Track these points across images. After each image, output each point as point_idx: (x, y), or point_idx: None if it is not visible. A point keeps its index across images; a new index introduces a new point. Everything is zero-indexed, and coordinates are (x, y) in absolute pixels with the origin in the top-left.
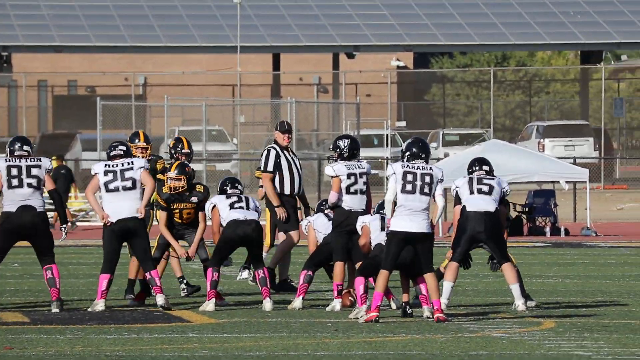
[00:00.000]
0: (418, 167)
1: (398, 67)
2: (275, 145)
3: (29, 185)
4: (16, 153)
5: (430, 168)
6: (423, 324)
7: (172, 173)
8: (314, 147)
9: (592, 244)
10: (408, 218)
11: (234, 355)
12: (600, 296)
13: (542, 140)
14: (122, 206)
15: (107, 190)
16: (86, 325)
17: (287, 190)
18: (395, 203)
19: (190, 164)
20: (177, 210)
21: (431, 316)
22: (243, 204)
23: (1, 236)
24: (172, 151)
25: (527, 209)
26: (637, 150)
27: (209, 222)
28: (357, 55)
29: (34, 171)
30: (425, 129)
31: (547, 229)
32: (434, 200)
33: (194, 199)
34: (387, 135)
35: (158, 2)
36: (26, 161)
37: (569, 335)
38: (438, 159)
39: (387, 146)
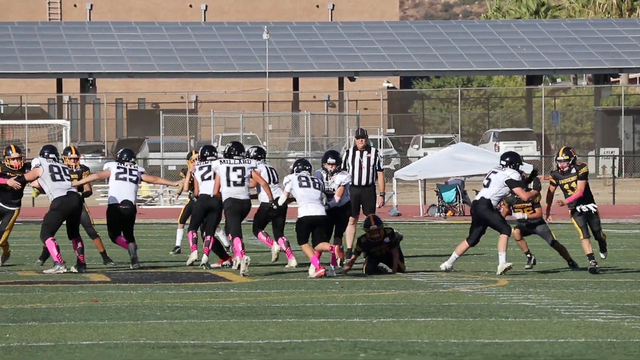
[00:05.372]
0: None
1: (388, 87)
2: (349, 148)
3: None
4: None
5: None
6: (409, 282)
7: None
8: (324, 149)
9: None
10: (308, 205)
11: (265, 306)
12: (542, 261)
13: (497, 142)
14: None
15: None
16: (153, 283)
17: (354, 182)
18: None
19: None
20: None
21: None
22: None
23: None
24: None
25: None
26: None
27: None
28: (357, 79)
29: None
30: (408, 134)
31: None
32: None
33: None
34: (380, 139)
35: (206, 39)
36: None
37: (518, 290)
38: (419, 157)
39: (380, 147)
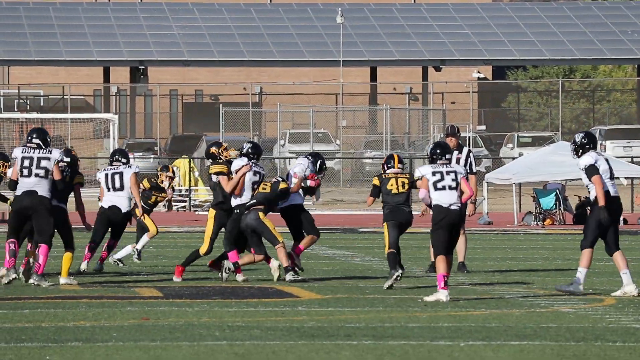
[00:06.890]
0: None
1: (478, 78)
2: None
3: (37, 175)
4: (29, 144)
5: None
6: (502, 300)
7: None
8: (406, 148)
9: None
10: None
11: (337, 326)
12: None
13: (604, 142)
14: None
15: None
16: (211, 299)
17: None
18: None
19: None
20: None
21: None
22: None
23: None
24: None
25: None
26: None
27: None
28: (443, 68)
29: (43, 162)
30: (501, 132)
31: None
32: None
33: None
34: (469, 137)
35: (272, 22)
36: (38, 153)
37: (627, 310)
38: (513, 158)
39: (469, 146)
